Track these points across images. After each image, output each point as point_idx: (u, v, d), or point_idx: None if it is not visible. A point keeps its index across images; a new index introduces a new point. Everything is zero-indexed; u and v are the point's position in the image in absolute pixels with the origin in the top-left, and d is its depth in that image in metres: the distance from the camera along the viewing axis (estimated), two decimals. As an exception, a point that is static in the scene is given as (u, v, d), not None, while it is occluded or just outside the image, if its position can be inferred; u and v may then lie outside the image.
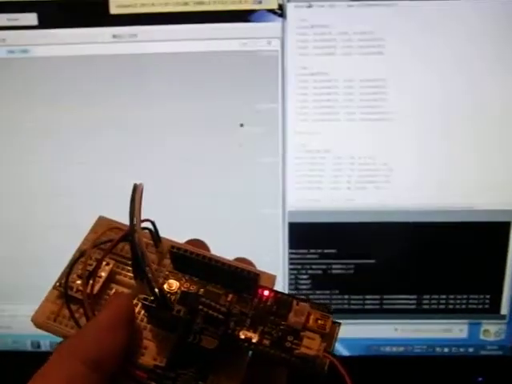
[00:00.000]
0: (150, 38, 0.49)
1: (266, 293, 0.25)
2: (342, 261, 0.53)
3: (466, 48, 0.48)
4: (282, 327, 0.24)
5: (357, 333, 0.54)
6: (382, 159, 0.50)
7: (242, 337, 0.24)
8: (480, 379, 0.56)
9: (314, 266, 0.53)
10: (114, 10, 0.49)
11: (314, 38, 0.49)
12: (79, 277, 0.26)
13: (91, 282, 0.26)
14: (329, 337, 0.24)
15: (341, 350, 0.55)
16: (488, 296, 0.53)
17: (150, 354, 0.24)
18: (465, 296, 0.53)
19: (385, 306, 0.54)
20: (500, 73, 0.48)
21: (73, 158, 0.52)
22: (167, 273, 0.26)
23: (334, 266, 0.53)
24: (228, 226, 0.52)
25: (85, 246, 0.27)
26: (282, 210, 0.51)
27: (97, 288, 0.26)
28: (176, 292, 0.25)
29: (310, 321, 0.24)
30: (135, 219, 0.23)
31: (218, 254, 0.26)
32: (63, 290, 0.26)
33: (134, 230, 0.23)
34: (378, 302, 0.54)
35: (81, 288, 0.25)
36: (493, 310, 0.54)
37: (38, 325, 0.26)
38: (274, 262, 0.53)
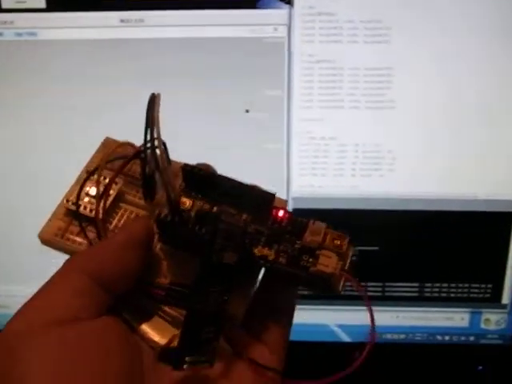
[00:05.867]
0: (157, 23, 0.50)
1: (281, 213, 0.25)
2: (344, 248, 0.53)
3: (471, 38, 0.48)
4: (297, 246, 0.24)
5: (358, 319, 0.55)
6: (387, 147, 0.50)
7: (258, 254, 0.23)
8: (480, 367, 0.56)
9: (316, 253, 0.53)
10: (121, -6, 0.49)
11: (320, 25, 0.49)
12: (87, 195, 0.25)
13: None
14: (345, 256, 0.24)
15: (342, 336, 0.56)
16: (490, 285, 0.54)
17: (164, 274, 0.24)
18: (466, 285, 0.54)
19: (387, 294, 0.54)
20: (504, 63, 0.48)
21: (74, 140, 0.52)
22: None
23: (336, 253, 0.53)
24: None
25: (92, 165, 0.27)
26: (286, 196, 0.52)
27: (106, 206, 0.25)
28: (189, 210, 0.24)
29: (327, 240, 0.24)
30: (155, 129, 0.23)
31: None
32: (73, 207, 0.25)
33: (154, 140, 0.23)
34: (380, 289, 0.54)
35: (89, 206, 0.25)
36: (494, 300, 0.54)
37: (44, 241, 0.26)
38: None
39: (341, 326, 0.56)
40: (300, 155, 0.51)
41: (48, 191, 0.51)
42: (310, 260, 0.23)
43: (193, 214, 0.24)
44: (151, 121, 0.23)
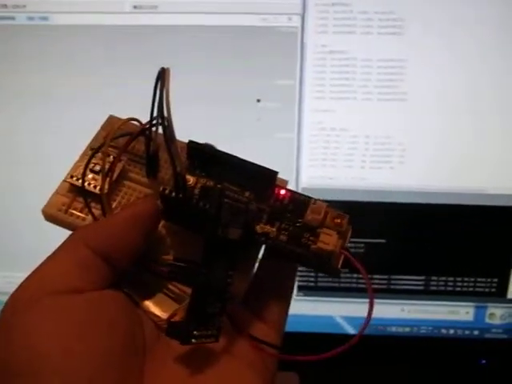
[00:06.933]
0: (170, 10, 0.49)
1: (283, 192, 0.25)
2: (352, 239, 0.53)
3: (484, 29, 0.48)
4: (298, 224, 0.24)
5: (364, 312, 0.54)
6: (398, 139, 0.50)
7: (260, 231, 0.24)
8: (483, 362, 0.56)
9: (324, 244, 0.53)
10: (135, -20, 0.49)
11: (334, 15, 0.49)
12: (92, 171, 0.26)
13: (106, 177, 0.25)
14: (345, 235, 0.24)
15: (347, 328, 0.56)
16: (495, 280, 0.54)
17: (167, 251, 0.25)
18: (472, 279, 0.54)
19: (392, 286, 0.54)
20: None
21: (84, 124, 0.51)
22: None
23: (344, 245, 0.53)
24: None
25: (96, 143, 0.27)
26: (295, 187, 0.52)
27: (111, 183, 0.25)
28: (193, 187, 0.24)
29: (328, 219, 0.24)
30: (165, 106, 0.22)
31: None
32: (77, 183, 0.25)
33: (160, 117, 0.22)
34: (385, 281, 0.54)
35: (93, 182, 0.25)
36: (499, 294, 0.54)
37: (48, 216, 0.26)
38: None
39: (345, 318, 0.56)
40: (310, 146, 0.51)
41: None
42: (311, 238, 0.24)
43: (197, 191, 0.24)
44: (160, 97, 0.22)
